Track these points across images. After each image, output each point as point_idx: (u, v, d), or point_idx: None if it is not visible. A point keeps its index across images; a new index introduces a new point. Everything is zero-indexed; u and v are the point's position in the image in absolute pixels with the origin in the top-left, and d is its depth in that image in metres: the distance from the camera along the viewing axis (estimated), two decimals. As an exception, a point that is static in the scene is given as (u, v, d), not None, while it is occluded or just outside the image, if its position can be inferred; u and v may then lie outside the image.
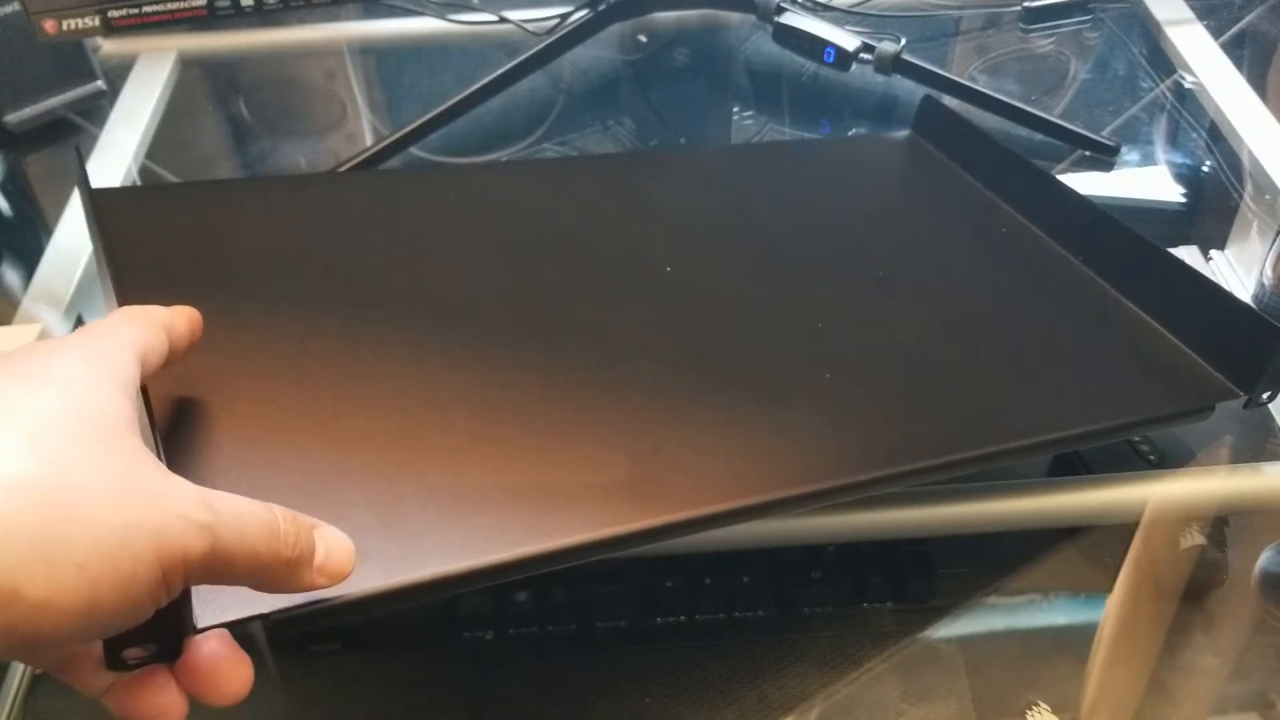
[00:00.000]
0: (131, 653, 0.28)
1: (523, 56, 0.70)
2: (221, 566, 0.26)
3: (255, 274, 0.45)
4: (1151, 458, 0.50)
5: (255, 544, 0.27)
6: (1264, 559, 0.48)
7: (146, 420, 0.35)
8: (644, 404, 0.41)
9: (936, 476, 0.41)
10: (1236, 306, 0.45)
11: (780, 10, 0.73)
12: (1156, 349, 0.47)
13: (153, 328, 0.32)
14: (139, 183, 0.67)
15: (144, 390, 0.35)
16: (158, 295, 0.42)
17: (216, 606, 0.29)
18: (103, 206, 0.46)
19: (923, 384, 0.44)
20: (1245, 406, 0.45)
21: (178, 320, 0.33)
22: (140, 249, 0.45)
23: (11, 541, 0.22)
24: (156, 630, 0.28)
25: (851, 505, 0.46)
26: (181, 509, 0.25)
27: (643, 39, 0.81)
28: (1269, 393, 0.45)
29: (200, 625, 0.29)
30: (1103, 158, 0.68)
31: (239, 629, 0.29)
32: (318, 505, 0.34)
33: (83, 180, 0.47)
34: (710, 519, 0.36)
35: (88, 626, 0.24)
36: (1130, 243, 0.50)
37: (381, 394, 0.40)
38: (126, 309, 0.32)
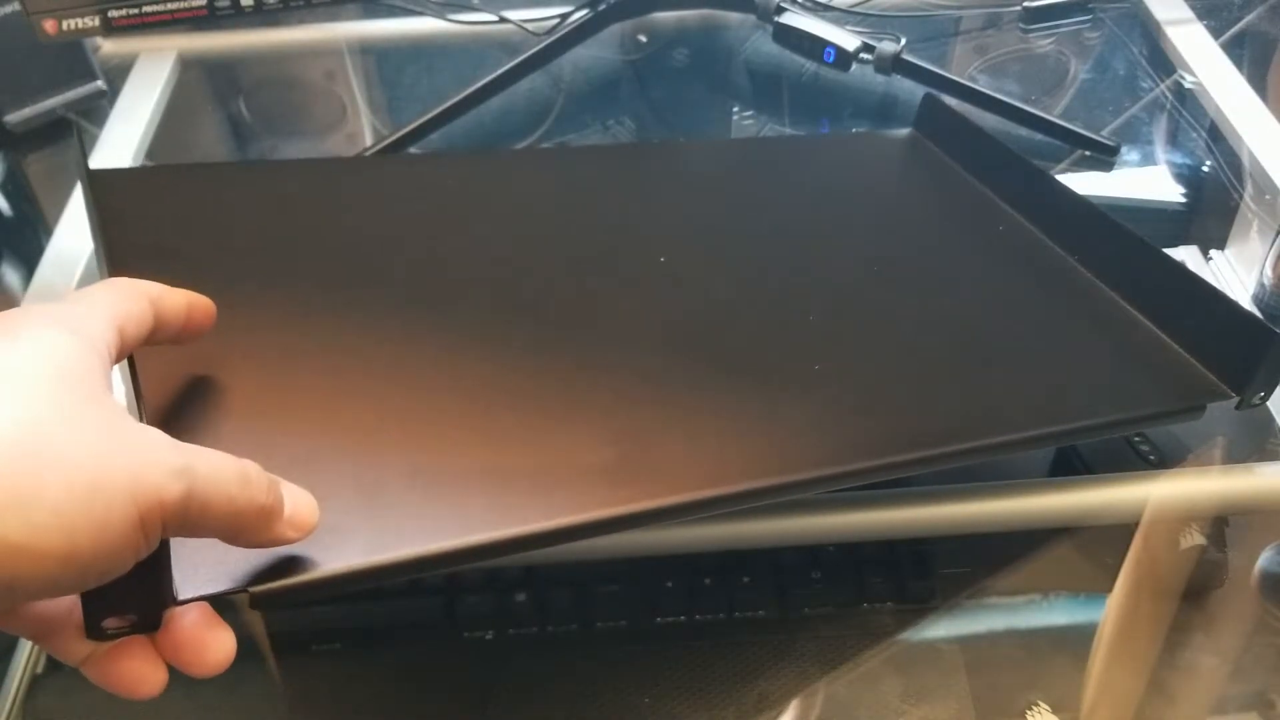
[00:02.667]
0: (111, 622, 0.28)
1: (523, 56, 0.70)
2: (197, 511, 0.26)
3: (249, 255, 0.45)
4: (1152, 457, 0.50)
5: (230, 488, 0.27)
6: (1264, 559, 0.48)
7: (132, 390, 0.35)
8: (633, 390, 0.41)
9: (922, 469, 0.40)
10: (1231, 307, 0.45)
11: (780, 10, 0.73)
12: (1150, 348, 0.47)
13: (134, 297, 0.31)
14: (139, 183, 0.67)
15: (131, 361, 0.35)
16: (151, 275, 0.43)
17: (198, 579, 0.29)
18: (100, 187, 0.46)
19: (913, 378, 0.44)
20: (1237, 408, 0.45)
21: (168, 296, 0.33)
22: (135, 229, 0.45)
23: None
24: (137, 601, 0.28)
25: (851, 505, 0.46)
26: (156, 455, 0.25)
27: (643, 39, 0.81)
28: (1262, 394, 0.45)
29: (181, 597, 0.29)
30: (1103, 158, 0.69)
31: (220, 602, 0.29)
32: (302, 481, 0.34)
33: (81, 160, 0.47)
34: (694, 505, 0.36)
35: (66, 572, 0.24)
36: (1126, 242, 0.50)
37: (370, 374, 0.40)
38: (110, 279, 0.32)
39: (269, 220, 0.48)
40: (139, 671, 0.28)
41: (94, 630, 0.28)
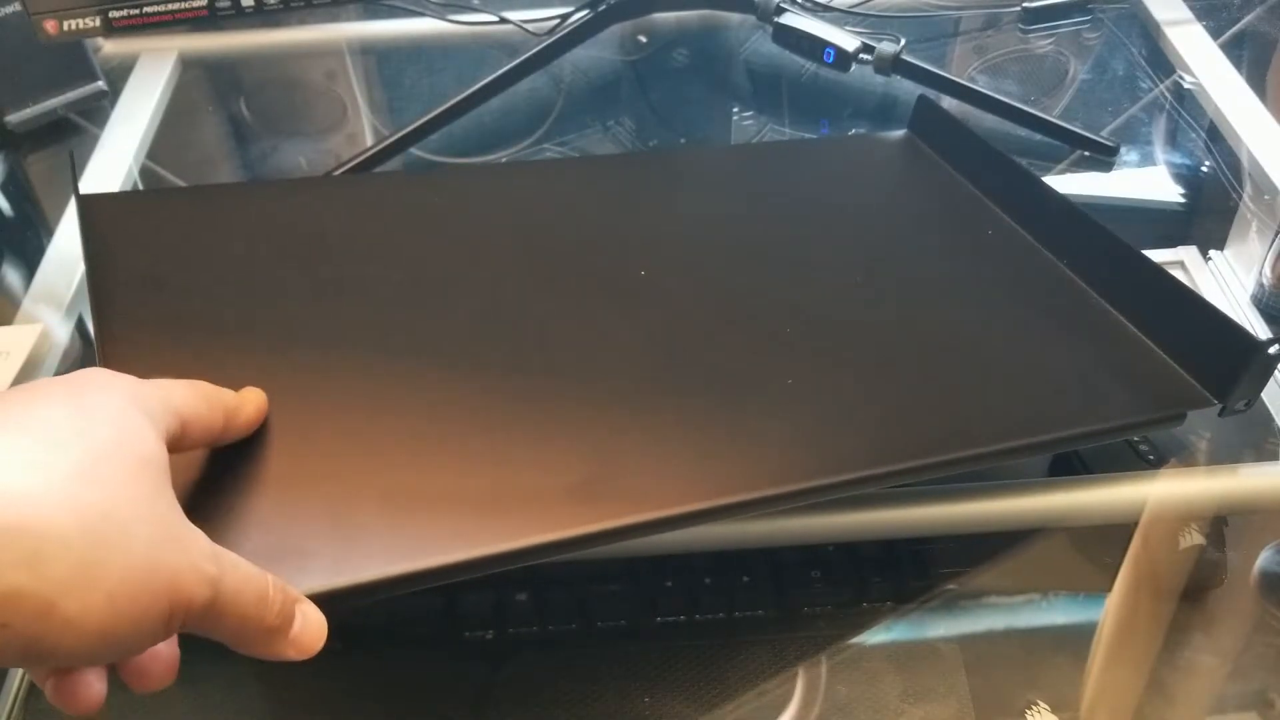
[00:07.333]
0: None
1: (523, 57, 0.70)
2: (212, 620, 0.28)
3: (230, 281, 0.46)
4: (1151, 457, 0.50)
5: (246, 607, 0.28)
6: (1263, 559, 0.48)
7: None
8: (604, 408, 0.41)
9: (894, 482, 0.41)
10: (1215, 315, 0.45)
11: (780, 10, 0.73)
12: (1135, 355, 0.47)
13: (211, 404, 0.33)
14: (139, 183, 0.67)
15: None
16: (135, 302, 0.43)
17: None
18: (90, 213, 0.47)
19: (889, 388, 0.44)
20: (1221, 414, 0.45)
21: (244, 410, 0.36)
22: (122, 256, 0.46)
23: (62, 560, 0.24)
24: None
25: (851, 505, 0.46)
26: (198, 559, 0.27)
27: (643, 39, 0.81)
28: (1245, 401, 0.45)
29: None
30: (1102, 158, 0.69)
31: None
32: (272, 503, 0.35)
33: (74, 186, 0.47)
34: (659, 523, 0.37)
35: (100, 650, 0.25)
36: (1113, 248, 0.50)
37: (343, 396, 0.40)
38: (195, 382, 0.33)
39: (252, 244, 0.48)
40: (94, 688, 0.29)
41: None
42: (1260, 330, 0.56)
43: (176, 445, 0.31)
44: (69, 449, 0.26)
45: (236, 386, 0.37)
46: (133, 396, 0.29)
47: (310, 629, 0.31)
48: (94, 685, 0.29)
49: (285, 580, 0.31)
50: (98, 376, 0.30)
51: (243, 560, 0.29)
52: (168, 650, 0.30)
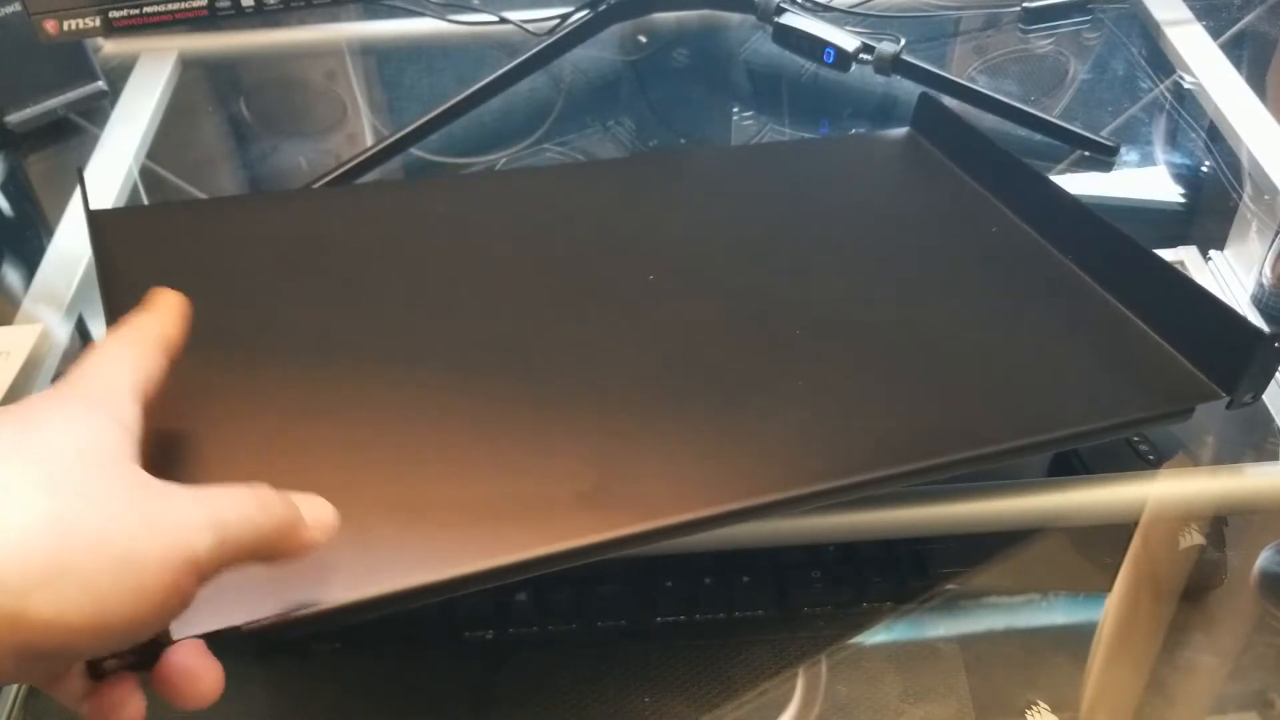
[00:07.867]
0: (112, 662, 0.29)
1: (523, 57, 0.70)
2: (231, 552, 0.27)
3: (244, 291, 0.46)
4: (1151, 457, 0.50)
5: (254, 516, 0.28)
6: (1263, 559, 0.48)
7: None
8: (613, 415, 0.41)
9: (905, 484, 0.41)
10: (1220, 308, 0.45)
11: (780, 10, 0.73)
12: (1141, 350, 0.47)
13: (150, 352, 0.32)
14: (139, 183, 0.67)
15: None
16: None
17: (191, 617, 0.30)
18: (101, 228, 0.47)
19: (898, 389, 0.44)
20: (1228, 408, 0.45)
21: (175, 332, 0.34)
22: (136, 270, 0.46)
23: (26, 571, 0.24)
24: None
25: (851, 505, 0.46)
26: (182, 517, 0.27)
27: (643, 39, 0.81)
28: (1251, 394, 0.45)
29: (176, 636, 0.30)
30: (1102, 158, 0.69)
31: (215, 638, 0.30)
32: None
33: (84, 201, 0.47)
34: (675, 528, 0.37)
35: (98, 641, 0.25)
36: (1118, 243, 0.50)
37: (353, 410, 0.40)
38: (119, 334, 0.33)
39: (262, 258, 0.49)
40: (130, 705, 0.29)
41: (96, 669, 0.29)
42: (1260, 330, 0.56)
43: (144, 414, 0.31)
44: (27, 467, 0.26)
45: (245, 401, 0.37)
46: (76, 395, 0.29)
47: (318, 509, 0.31)
48: (130, 703, 0.29)
49: (302, 596, 0.31)
50: (44, 395, 0.29)
51: (227, 485, 0.29)
52: (207, 665, 0.30)
